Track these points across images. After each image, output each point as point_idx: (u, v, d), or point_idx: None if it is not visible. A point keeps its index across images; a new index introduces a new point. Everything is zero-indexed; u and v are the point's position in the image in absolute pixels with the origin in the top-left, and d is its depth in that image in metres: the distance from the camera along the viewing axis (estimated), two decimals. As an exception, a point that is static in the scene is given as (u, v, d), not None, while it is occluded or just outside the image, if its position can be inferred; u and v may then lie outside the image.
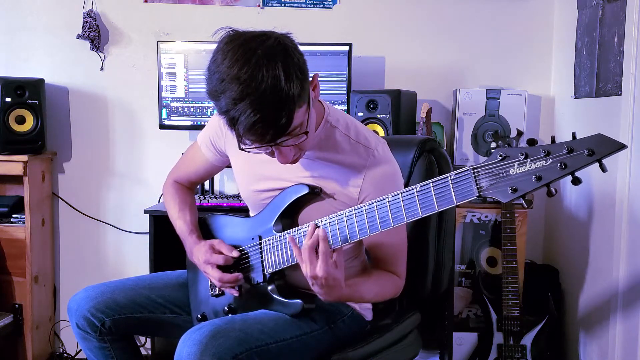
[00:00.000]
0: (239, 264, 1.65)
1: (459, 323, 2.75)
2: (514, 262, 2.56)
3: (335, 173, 1.57)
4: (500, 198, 1.16)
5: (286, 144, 1.41)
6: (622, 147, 1.07)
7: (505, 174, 1.16)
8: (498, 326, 2.59)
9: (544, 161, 1.13)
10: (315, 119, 1.51)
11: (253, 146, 1.40)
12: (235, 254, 1.63)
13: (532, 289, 2.71)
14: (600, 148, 1.08)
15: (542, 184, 1.13)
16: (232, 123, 1.35)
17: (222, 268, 1.63)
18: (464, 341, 2.74)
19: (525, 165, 1.14)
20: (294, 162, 1.49)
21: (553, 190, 1.14)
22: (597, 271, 2.50)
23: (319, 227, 1.44)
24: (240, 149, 1.42)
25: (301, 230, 1.50)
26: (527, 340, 2.57)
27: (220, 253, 1.64)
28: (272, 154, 1.46)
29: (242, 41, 1.36)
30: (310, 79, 1.44)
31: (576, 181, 1.11)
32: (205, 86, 1.40)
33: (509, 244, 2.57)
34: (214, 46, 1.41)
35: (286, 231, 1.54)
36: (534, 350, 2.56)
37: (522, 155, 1.15)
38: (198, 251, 1.68)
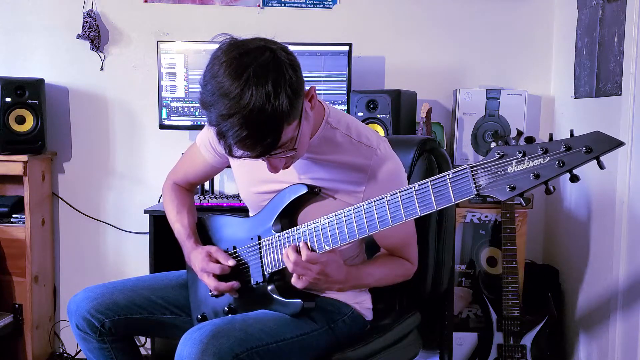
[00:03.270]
0: (237, 265, 1.65)
1: (459, 323, 2.75)
2: (514, 262, 2.56)
3: (338, 174, 1.57)
4: (499, 196, 1.17)
5: (276, 156, 1.42)
6: (620, 144, 1.07)
7: (503, 172, 1.17)
8: (498, 326, 2.59)
9: (542, 159, 1.13)
10: (309, 132, 1.51)
11: (244, 155, 1.41)
12: (231, 262, 1.63)
13: (532, 289, 2.71)
14: (598, 145, 1.08)
15: (540, 182, 1.13)
16: (221, 136, 1.36)
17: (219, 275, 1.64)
18: (464, 341, 2.74)
19: (523, 163, 1.14)
20: (285, 168, 1.50)
21: (551, 188, 1.14)
22: (597, 271, 2.50)
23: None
24: (231, 156, 1.43)
25: (300, 230, 1.50)
26: (527, 340, 2.57)
27: (217, 261, 1.64)
28: (264, 160, 1.47)
29: (236, 54, 1.35)
30: (305, 92, 1.43)
31: (574, 179, 1.11)
32: (199, 92, 1.40)
33: (509, 244, 2.57)
34: (214, 46, 1.41)
35: (285, 231, 1.54)
36: (534, 350, 2.56)
37: (520, 153, 1.15)
38: (195, 258, 1.68)
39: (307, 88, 1.44)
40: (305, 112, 1.43)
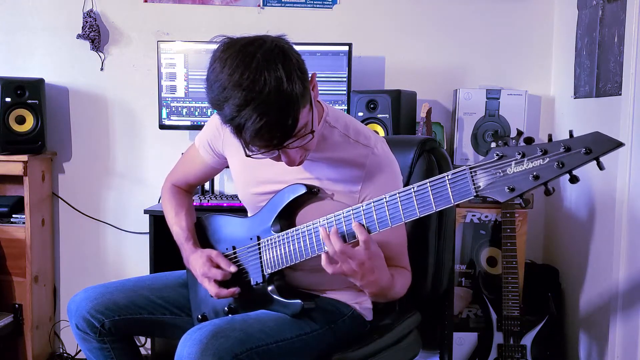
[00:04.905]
0: (238, 265, 1.65)
1: (459, 323, 2.75)
2: (514, 262, 2.56)
3: (335, 173, 1.57)
4: (498, 197, 1.16)
5: (292, 145, 1.40)
6: (619, 145, 1.07)
7: (502, 173, 1.16)
8: (498, 326, 2.59)
9: (541, 160, 1.12)
10: (317, 118, 1.50)
11: (260, 152, 1.40)
12: (232, 269, 1.62)
13: (532, 289, 2.71)
14: (598, 146, 1.07)
15: (539, 183, 1.12)
16: (238, 130, 1.34)
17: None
18: (464, 341, 2.74)
19: (523, 165, 1.14)
20: (300, 163, 1.49)
21: (551, 189, 1.14)
22: (597, 271, 2.50)
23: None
24: (247, 155, 1.42)
25: (299, 230, 1.50)
26: (527, 340, 2.57)
27: (218, 266, 1.64)
28: (277, 158, 1.45)
29: (239, 47, 1.35)
30: (309, 77, 1.43)
31: (574, 180, 1.10)
32: (206, 96, 1.39)
33: (509, 244, 2.57)
34: (214, 46, 1.40)
35: (284, 231, 1.54)
36: (534, 350, 2.56)
37: (519, 154, 1.14)
38: (195, 261, 1.67)
39: None
40: (312, 98, 1.43)
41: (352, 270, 1.39)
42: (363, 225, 1.37)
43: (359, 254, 1.37)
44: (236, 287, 1.62)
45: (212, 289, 1.63)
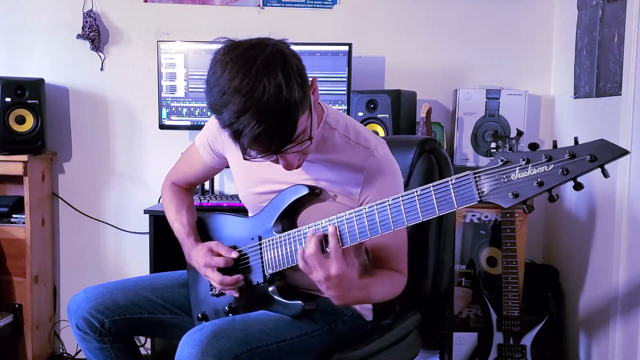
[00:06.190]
0: (238, 265, 1.65)
1: (459, 323, 2.75)
2: (514, 262, 2.56)
3: (335, 175, 1.57)
4: (502, 203, 1.15)
5: (290, 151, 1.40)
6: (625, 152, 1.06)
7: (506, 179, 1.15)
8: (498, 326, 2.59)
9: (546, 166, 1.11)
10: (317, 123, 1.50)
11: (258, 156, 1.40)
12: (234, 255, 1.62)
13: (532, 289, 2.71)
14: (603, 154, 1.06)
15: (543, 189, 1.11)
16: (236, 136, 1.34)
17: (222, 270, 1.63)
18: (464, 341, 2.74)
19: (527, 171, 1.13)
20: (297, 167, 1.49)
21: (555, 196, 1.13)
22: (597, 271, 2.50)
23: (322, 227, 1.43)
24: (245, 159, 1.42)
25: (301, 231, 1.50)
26: (527, 340, 2.57)
27: (219, 255, 1.63)
28: (275, 162, 1.46)
29: (240, 52, 1.34)
30: (310, 82, 1.43)
31: (578, 187, 1.09)
32: (205, 99, 1.39)
33: (509, 244, 2.57)
34: (214, 47, 1.40)
35: (286, 232, 1.54)
36: (534, 350, 2.56)
37: (523, 160, 1.13)
38: (196, 254, 1.67)
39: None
40: (312, 103, 1.43)
41: (317, 277, 1.40)
42: (337, 233, 1.38)
43: (326, 266, 1.38)
44: (239, 274, 1.61)
45: (215, 277, 1.61)
